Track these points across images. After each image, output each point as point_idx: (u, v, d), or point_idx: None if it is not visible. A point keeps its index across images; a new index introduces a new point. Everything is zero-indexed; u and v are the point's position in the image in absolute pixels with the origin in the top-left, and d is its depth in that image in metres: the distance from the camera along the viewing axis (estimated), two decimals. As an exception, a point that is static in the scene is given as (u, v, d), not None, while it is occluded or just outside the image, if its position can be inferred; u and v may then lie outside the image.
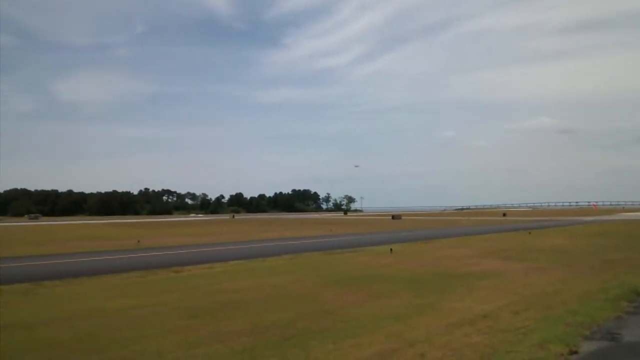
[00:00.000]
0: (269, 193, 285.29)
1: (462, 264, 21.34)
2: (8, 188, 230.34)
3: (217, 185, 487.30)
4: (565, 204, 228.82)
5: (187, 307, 12.44)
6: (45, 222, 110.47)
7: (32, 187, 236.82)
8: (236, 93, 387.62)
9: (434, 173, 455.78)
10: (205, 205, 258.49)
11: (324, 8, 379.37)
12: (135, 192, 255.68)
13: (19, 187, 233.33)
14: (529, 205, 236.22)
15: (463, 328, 9.92)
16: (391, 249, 27.76)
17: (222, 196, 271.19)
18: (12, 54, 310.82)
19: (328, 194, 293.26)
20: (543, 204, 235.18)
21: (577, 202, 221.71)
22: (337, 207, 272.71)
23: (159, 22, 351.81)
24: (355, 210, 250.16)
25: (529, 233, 43.42)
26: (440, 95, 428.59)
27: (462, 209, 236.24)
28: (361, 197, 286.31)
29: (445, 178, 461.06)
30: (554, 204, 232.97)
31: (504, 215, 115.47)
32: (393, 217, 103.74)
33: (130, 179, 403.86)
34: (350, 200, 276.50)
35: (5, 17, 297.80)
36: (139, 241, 39.39)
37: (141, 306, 12.64)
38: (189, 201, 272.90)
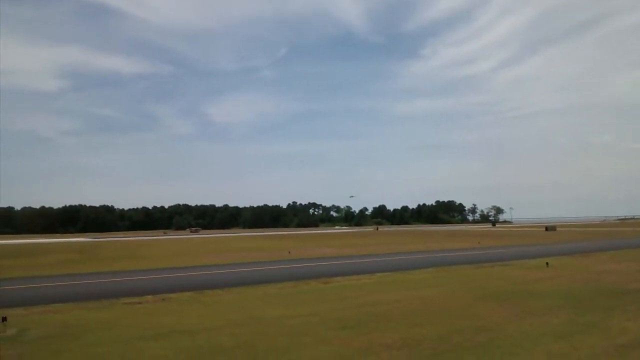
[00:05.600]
0: (412, 205, 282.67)
1: (630, 279, 19.36)
2: (172, 204, 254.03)
3: (361, 197, 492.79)
4: None
5: (338, 317, 12.70)
6: (205, 235, 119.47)
7: (192, 203, 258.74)
8: (376, 106, 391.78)
9: (590, 180, 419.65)
10: (349, 218, 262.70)
11: (462, 16, 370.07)
12: (284, 206, 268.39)
13: (181, 203, 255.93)
14: None
15: (638, 350, 8.99)
16: (547, 263, 26.04)
17: (365, 208, 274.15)
18: (171, 81, 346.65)
19: (474, 204, 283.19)
20: None
21: None
22: (484, 219, 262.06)
23: (300, 43, 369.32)
24: (504, 222, 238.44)
25: None
26: (592, 97, 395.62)
27: (625, 218, 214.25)
28: (510, 208, 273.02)
29: (603, 186, 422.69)
30: None
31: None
32: (546, 228, 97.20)
33: (279, 193, 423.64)
34: (499, 211, 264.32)
35: (164, 49, 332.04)
36: (289, 252, 41.17)
37: (294, 315, 13.16)
38: (334, 214, 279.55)
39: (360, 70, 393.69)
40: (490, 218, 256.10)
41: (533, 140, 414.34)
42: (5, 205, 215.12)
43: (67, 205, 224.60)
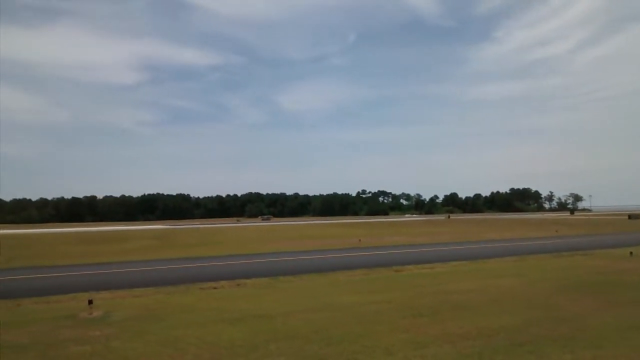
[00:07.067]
0: (485, 192, 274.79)
1: None
2: (244, 192, 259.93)
3: (431, 185, 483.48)
4: None
5: (412, 305, 12.60)
6: (276, 223, 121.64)
7: (264, 191, 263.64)
8: (447, 91, 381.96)
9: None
10: (420, 206, 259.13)
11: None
12: (353, 194, 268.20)
13: (253, 191, 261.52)
14: None
15: None
16: (631, 252, 24.73)
17: (436, 196, 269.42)
18: (242, 72, 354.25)
19: (551, 192, 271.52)
20: None
21: None
22: (562, 207, 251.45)
23: (369, 29, 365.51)
24: (583, 210, 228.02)
25: None
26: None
27: None
28: (590, 195, 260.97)
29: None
30: None
31: None
32: (630, 216, 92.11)
33: (348, 181, 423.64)
34: (577, 198, 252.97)
35: (235, 40, 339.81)
36: (359, 240, 41.24)
37: (367, 302, 13.17)
38: (404, 202, 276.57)
39: (430, 55, 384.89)
40: (568, 206, 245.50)
41: (615, 124, 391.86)
42: (88, 194, 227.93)
43: (146, 193, 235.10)
